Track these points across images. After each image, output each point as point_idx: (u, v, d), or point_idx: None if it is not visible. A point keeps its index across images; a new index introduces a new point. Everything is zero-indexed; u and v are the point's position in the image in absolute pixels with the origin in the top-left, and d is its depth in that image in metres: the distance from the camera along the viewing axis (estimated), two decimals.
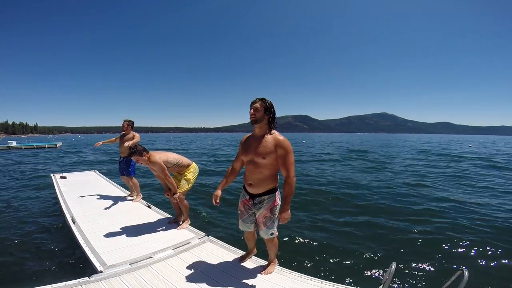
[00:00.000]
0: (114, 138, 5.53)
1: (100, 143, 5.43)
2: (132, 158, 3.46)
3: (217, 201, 2.45)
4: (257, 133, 2.32)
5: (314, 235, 4.58)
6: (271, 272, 2.61)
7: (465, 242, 4.35)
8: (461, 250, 4.15)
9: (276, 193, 2.40)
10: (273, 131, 2.30)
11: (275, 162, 2.25)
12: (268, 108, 2.24)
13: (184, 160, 3.90)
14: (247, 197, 2.46)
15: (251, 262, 2.84)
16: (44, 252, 3.81)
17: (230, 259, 2.90)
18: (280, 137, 2.24)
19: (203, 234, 3.52)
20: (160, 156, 3.58)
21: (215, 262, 2.82)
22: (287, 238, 4.40)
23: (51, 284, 2.23)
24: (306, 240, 4.38)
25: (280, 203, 2.39)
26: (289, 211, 2.26)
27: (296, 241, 4.37)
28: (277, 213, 2.38)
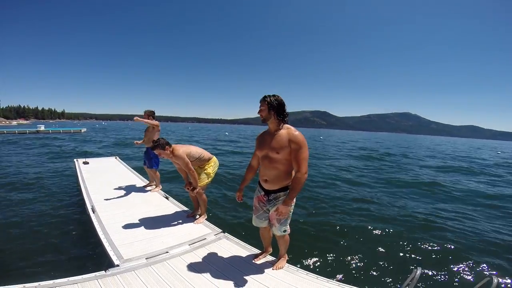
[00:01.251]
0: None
1: (139, 142, 5.42)
2: (155, 151, 3.43)
3: (240, 199, 2.60)
4: (271, 128, 2.30)
5: (328, 235, 4.47)
6: (281, 267, 2.62)
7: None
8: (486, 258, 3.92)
9: None
10: (286, 125, 2.27)
11: (289, 157, 2.19)
12: (272, 105, 2.20)
13: (206, 153, 3.84)
14: (262, 193, 2.43)
15: (267, 262, 2.76)
16: (63, 241, 3.88)
17: (246, 257, 2.84)
18: (295, 132, 2.19)
19: (219, 230, 3.47)
20: (183, 150, 3.53)
21: (230, 260, 2.77)
22: (300, 236, 4.29)
23: (67, 277, 2.25)
24: (322, 239, 4.31)
25: (295, 202, 2.35)
26: (290, 207, 2.22)
27: (311, 240, 4.27)
28: (291, 211, 2.38)
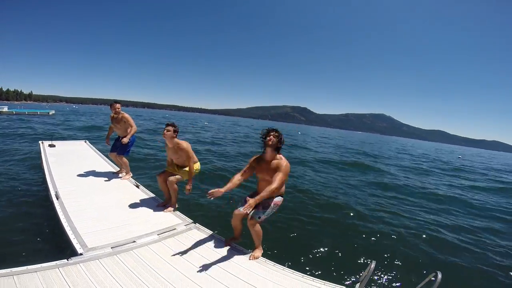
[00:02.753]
0: (111, 125, 5.15)
1: (107, 141, 5.25)
2: (168, 127, 3.63)
3: (214, 196, 2.56)
4: (267, 158, 2.80)
5: (300, 231, 4.59)
6: (257, 257, 2.78)
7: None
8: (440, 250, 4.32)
9: (280, 197, 2.93)
10: (279, 155, 2.81)
11: (282, 179, 2.73)
12: (280, 139, 2.77)
13: (194, 156, 3.92)
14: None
15: (235, 252, 2.82)
16: (23, 229, 3.63)
17: (216, 247, 2.87)
18: (282, 162, 2.76)
19: (190, 221, 3.46)
20: (188, 144, 3.79)
21: (199, 250, 2.78)
22: (277, 233, 4.38)
23: (26, 265, 2.14)
24: (293, 235, 4.41)
25: (278, 206, 2.89)
26: (255, 202, 2.47)
27: (282, 236, 4.36)
28: (271, 209, 2.81)
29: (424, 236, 4.88)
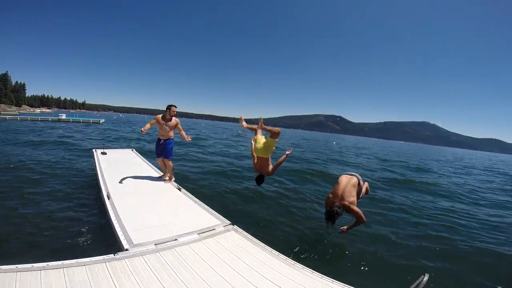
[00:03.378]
0: (152, 122, 5.24)
1: (144, 129, 4.98)
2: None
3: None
4: None
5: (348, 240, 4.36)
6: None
7: None
8: None
9: None
10: None
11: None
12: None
13: None
14: None
15: (276, 259, 2.74)
16: (77, 225, 3.97)
17: (253, 252, 2.84)
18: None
19: (228, 222, 3.49)
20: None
21: (238, 252, 2.77)
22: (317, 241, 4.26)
23: (76, 258, 2.30)
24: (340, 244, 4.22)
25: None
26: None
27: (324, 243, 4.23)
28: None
29: None
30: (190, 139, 5.45)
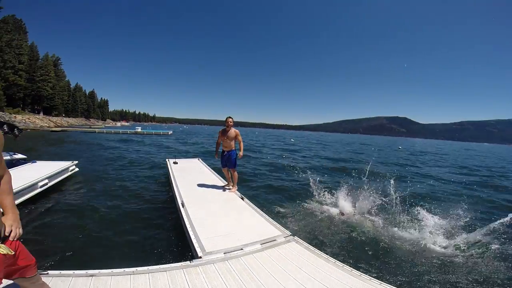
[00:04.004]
0: (218, 140, 5.81)
1: (216, 155, 5.96)
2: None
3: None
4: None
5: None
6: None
7: None
8: None
9: None
10: None
11: None
12: None
13: None
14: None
15: (340, 270, 2.77)
16: (154, 232, 4.52)
17: (315, 262, 2.91)
18: None
19: (289, 233, 3.62)
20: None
21: (299, 263, 2.88)
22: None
23: (158, 264, 2.70)
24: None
25: None
26: None
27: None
28: None
29: None
30: (241, 156, 5.61)
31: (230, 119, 5.56)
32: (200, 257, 2.88)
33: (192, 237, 3.33)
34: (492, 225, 4.84)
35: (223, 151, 5.78)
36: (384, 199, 6.94)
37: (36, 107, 58.78)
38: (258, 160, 14.89)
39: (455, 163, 20.25)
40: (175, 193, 5.25)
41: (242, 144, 5.64)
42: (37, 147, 15.64)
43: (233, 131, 5.58)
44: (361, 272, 2.73)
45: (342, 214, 5.73)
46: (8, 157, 7.74)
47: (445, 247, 4.36)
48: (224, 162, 5.78)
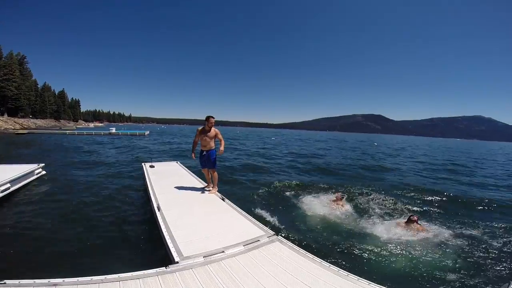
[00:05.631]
0: (196, 139, 5.61)
1: (193, 155, 5.69)
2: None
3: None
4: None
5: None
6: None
7: None
8: None
9: None
10: None
11: None
12: None
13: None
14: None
15: (326, 270, 2.66)
16: (130, 236, 4.21)
17: (301, 263, 2.79)
18: None
19: (272, 232, 3.48)
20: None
21: (283, 264, 2.75)
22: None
23: (131, 271, 2.46)
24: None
25: None
26: None
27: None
28: None
29: None
30: (222, 152, 5.43)
31: (212, 119, 5.37)
32: (177, 262, 2.66)
33: (168, 241, 3.10)
34: None
35: (202, 151, 5.54)
36: (370, 195, 7.04)
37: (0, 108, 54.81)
38: (240, 159, 14.68)
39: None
40: (150, 197, 4.94)
41: (223, 141, 5.43)
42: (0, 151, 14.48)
43: (213, 130, 5.40)
44: (348, 272, 2.63)
45: (330, 210, 5.69)
46: None
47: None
48: (203, 162, 5.57)
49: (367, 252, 3.87)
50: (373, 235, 4.51)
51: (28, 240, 3.95)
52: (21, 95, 56.87)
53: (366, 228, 4.84)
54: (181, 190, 5.51)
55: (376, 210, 5.92)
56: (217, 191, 5.47)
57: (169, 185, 5.85)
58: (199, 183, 6.19)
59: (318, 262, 2.80)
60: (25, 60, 64.51)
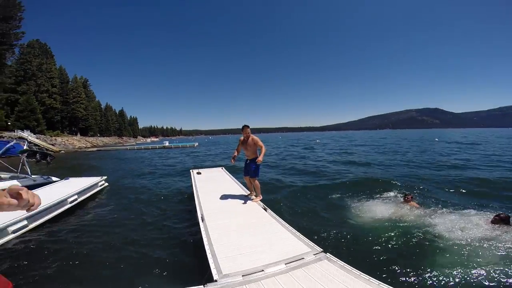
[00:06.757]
0: (238, 148, 5.62)
1: (233, 161, 5.69)
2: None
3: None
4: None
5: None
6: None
7: None
8: None
9: None
10: None
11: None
12: None
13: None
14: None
15: None
16: (170, 250, 4.21)
17: (353, 284, 2.40)
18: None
19: (320, 249, 3.11)
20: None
21: (331, 285, 2.40)
22: None
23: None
24: None
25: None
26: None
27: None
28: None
29: None
30: (261, 161, 5.20)
31: (247, 128, 5.30)
32: (216, 281, 2.51)
33: (209, 256, 2.98)
34: None
35: (246, 159, 5.52)
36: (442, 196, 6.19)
37: (73, 128, 62.91)
38: (282, 166, 14.33)
39: None
40: (195, 205, 5.01)
41: (264, 149, 5.26)
42: (74, 167, 16.53)
43: (251, 139, 5.30)
44: None
45: (398, 213, 5.16)
46: (43, 180, 8.43)
47: None
48: (246, 170, 5.54)
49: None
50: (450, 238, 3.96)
51: (82, 249, 4.23)
52: (89, 116, 64.64)
53: (449, 231, 4.25)
54: (224, 198, 5.50)
55: (458, 209, 5.26)
56: (261, 200, 5.30)
57: (213, 192, 5.92)
58: (242, 191, 6.12)
59: (375, 284, 2.37)
60: (88, 83, 73.30)
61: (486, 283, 3.03)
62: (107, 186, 9.15)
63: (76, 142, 49.42)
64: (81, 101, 61.97)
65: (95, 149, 39.95)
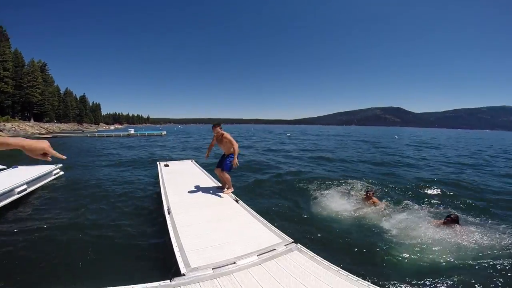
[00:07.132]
0: (212, 143, 5.53)
1: (207, 156, 5.89)
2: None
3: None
4: None
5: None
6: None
7: None
8: None
9: None
10: None
11: None
12: None
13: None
14: None
15: (352, 285, 2.28)
16: (132, 244, 3.95)
17: (323, 276, 2.41)
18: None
19: (290, 240, 3.11)
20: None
21: (303, 277, 2.40)
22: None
23: (133, 284, 2.19)
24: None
25: None
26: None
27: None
28: None
29: None
30: (237, 165, 5.01)
31: (217, 127, 5.13)
32: (184, 275, 2.37)
33: (176, 249, 2.82)
34: None
35: (224, 154, 5.32)
36: (403, 192, 6.55)
37: (26, 114, 57.40)
38: (252, 155, 14.33)
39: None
40: (162, 198, 4.74)
41: (236, 150, 4.99)
42: (24, 154, 14.98)
43: (224, 137, 5.11)
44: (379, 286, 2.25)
45: (361, 208, 5.34)
46: None
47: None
48: (219, 162, 5.34)
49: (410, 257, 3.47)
50: (412, 236, 4.12)
51: (29, 246, 3.84)
52: (45, 101, 59.26)
53: (407, 228, 4.42)
54: (194, 191, 5.27)
55: (414, 207, 5.52)
56: (232, 192, 5.19)
57: (182, 185, 5.65)
58: (213, 183, 5.93)
59: (344, 275, 2.42)
60: (46, 67, 67.16)
61: (436, 276, 3.20)
62: (62, 175, 8.43)
63: (29, 128, 45.04)
64: (37, 86, 56.51)
65: (50, 135, 36.60)
